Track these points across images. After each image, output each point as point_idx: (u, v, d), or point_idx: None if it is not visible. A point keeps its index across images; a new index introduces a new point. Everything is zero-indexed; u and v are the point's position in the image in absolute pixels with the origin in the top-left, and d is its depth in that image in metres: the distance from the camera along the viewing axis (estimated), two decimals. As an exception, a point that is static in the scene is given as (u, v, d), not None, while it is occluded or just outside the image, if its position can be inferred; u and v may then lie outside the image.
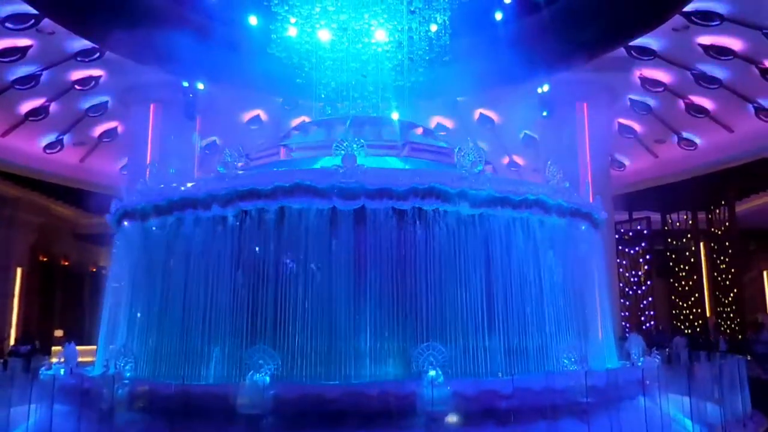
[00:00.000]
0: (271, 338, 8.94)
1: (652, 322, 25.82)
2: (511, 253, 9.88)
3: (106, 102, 21.86)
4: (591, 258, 11.34)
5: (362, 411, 7.76)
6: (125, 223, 11.03)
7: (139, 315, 10.34)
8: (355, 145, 9.78)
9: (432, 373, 8.07)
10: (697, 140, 23.64)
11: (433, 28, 13.20)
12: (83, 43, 18.50)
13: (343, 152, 9.68)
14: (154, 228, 10.48)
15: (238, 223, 9.63)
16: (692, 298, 26.77)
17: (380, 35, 12.86)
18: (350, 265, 9.24)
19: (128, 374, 8.80)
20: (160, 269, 10.27)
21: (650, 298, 26.58)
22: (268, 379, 8.05)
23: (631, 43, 18.77)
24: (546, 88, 20.27)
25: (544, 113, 20.45)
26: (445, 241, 9.49)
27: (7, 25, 17.13)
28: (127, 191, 11.32)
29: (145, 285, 10.45)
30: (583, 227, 11.15)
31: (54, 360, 12.31)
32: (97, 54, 18.95)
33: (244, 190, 9.55)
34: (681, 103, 21.63)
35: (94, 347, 11.83)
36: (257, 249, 9.52)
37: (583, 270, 10.98)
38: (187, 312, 9.62)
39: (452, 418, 7.85)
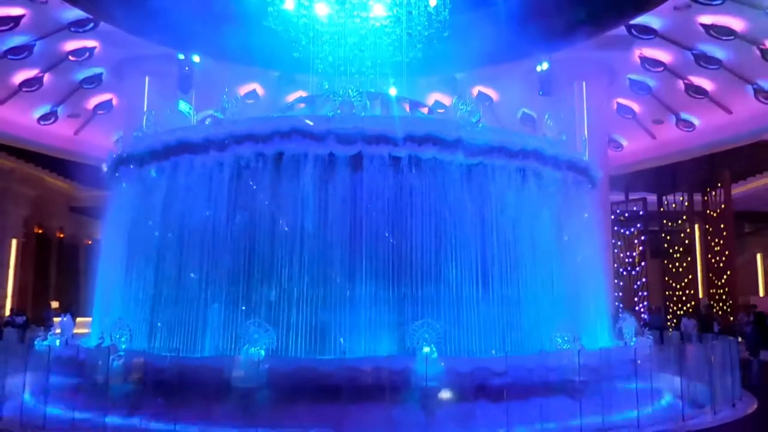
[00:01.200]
0: (267, 282, 9.02)
1: (645, 303, 25.98)
2: (507, 206, 9.84)
3: (101, 74, 21.61)
4: (587, 218, 11.27)
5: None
6: (120, 173, 10.88)
7: (136, 266, 10.27)
8: (352, 92, 9.69)
9: (426, 349, 8.10)
10: (696, 121, 23.56)
11: (432, 3, 13.02)
12: (77, 13, 18.21)
13: (341, 99, 9.62)
14: (150, 173, 10.33)
15: (235, 171, 9.52)
16: (686, 280, 26.91)
17: (378, 10, 12.71)
18: (347, 213, 9.20)
19: (123, 346, 8.82)
20: (157, 217, 10.16)
21: (644, 279, 26.71)
22: (263, 352, 8.07)
23: (631, 22, 18.59)
24: (545, 66, 20.12)
25: (540, 92, 20.33)
26: (441, 191, 9.45)
27: (0, -7, 16.86)
28: (123, 140, 11.22)
29: (142, 233, 10.34)
30: (580, 183, 11.07)
31: (49, 331, 12.34)
32: (91, 24, 18.67)
33: (242, 134, 9.45)
34: (680, 84, 21.51)
35: (89, 319, 11.85)
36: (254, 197, 9.42)
37: (578, 229, 10.91)
38: (185, 263, 9.61)
39: (445, 394, 7.92)
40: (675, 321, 24.47)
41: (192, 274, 9.43)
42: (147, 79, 20.49)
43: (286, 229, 9.13)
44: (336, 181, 9.27)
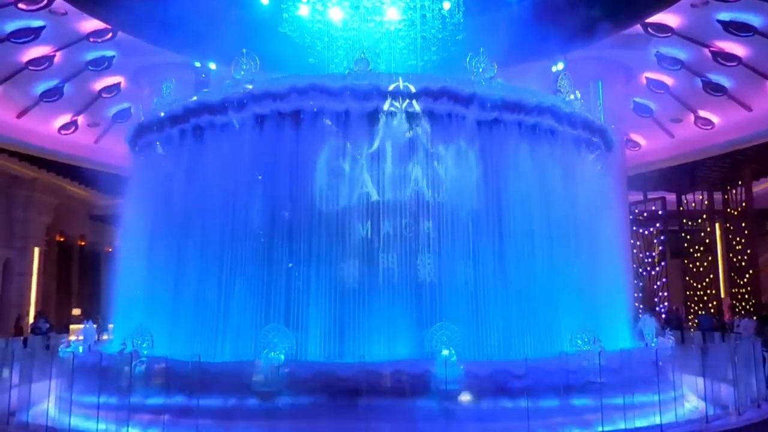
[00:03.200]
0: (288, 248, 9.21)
1: (665, 304, 25.71)
2: (521, 160, 9.78)
3: (119, 83, 21.91)
4: (605, 188, 11.12)
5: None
6: (141, 143, 10.98)
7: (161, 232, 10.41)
8: (367, 52, 9.77)
9: (445, 352, 8.09)
10: (715, 119, 23.30)
11: (446, 6, 13.06)
12: (95, 24, 18.50)
13: (357, 57, 9.70)
14: (172, 137, 10.42)
15: (254, 130, 9.59)
16: (707, 279, 26.58)
17: (392, 14, 12.75)
18: (364, 165, 9.30)
19: (145, 352, 8.90)
20: (181, 181, 10.27)
21: (664, 279, 26.44)
22: (282, 357, 8.12)
23: (648, 20, 18.45)
24: (561, 66, 20.02)
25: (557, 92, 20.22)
26: (457, 147, 9.45)
27: (20, 6, 17.16)
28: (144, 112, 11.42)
29: (164, 199, 10.45)
30: (595, 143, 10.90)
31: (72, 338, 12.52)
32: (110, 34, 18.97)
33: (260, 92, 9.57)
34: (698, 81, 21.29)
35: (111, 326, 11.98)
36: (274, 156, 9.51)
37: (596, 200, 10.75)
38: (209, 232, 9.74)
39: (465, 397, 7.90)
40: (696, 321, 24.15)
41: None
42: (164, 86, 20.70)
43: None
44: (355, 135, 9.32)
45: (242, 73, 9.96)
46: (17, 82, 20.43)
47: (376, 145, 9.35)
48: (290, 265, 9.31)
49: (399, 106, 9.31)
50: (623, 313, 11.21)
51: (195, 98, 10.41)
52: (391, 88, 9.31)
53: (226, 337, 9.24)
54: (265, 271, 9.37)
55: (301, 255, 9.23)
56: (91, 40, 19.15)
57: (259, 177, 9.60)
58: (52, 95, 21.49)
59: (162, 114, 10.59)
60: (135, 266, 10.80)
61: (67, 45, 19.35)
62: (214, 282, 9.63)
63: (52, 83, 21.12)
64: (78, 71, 20.77)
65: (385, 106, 9.27)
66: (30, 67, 19.82)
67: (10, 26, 18.06)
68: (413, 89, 9.34)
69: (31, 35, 18.44)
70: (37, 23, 18.22)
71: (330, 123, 9.32)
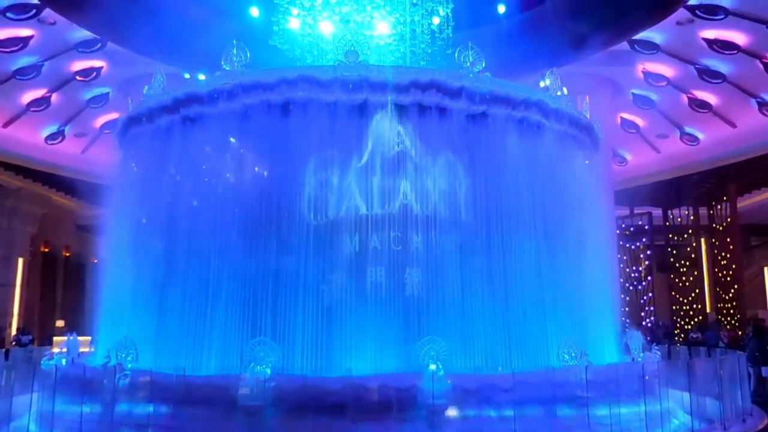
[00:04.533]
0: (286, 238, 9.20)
1: (652, 318, 25.83)
2: (509, 156, 9.80)
3: (107, 93, 21.82)
4: (590, 182, 11.11)
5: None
6: (129, 136, 10.87)
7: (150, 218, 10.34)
8: (358, 42, 9.78)
9: (432, 366, 8.06)
10: (700, 135, 23.58)
11: (436, 21, 13.15)
12: (84, 34, 18.46)
13: (347, 48, 9.67)
14: (160, 128, 10.33)
15: (243, 121, 9.55)
16: (693, 294, 26.78)
17: (383, 28, 12.81)
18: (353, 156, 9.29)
19: (129, 365, 8.80)
20: (168, 172, 10.20)
21: (650, 294, 26.59)
22: (269, 371, 8.06)
23: (634, 37, 18.68)
24: (548, 81, 20.16)
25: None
26: (445, 140, 9.46)
27: (9, 15, 17.09)
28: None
29: (149, 196, 10.39)
30: (582, 141, 10.91)
31: (55, 350, 12.34)
32: (99, 45, 18.92)
33: (249, 83, 9.51)
34: (684, 98, 21.56)
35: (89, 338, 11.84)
36: (262, 145, 9.52)
37: (583, 199, 10.76)
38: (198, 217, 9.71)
39: (453, 412, 7.87)
40: (683, 336, 24.28)
41: None
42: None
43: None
44: (343, 127, 9.31)
45: (234, 64, 9.93)
46: (4, 90, 20.31)
47: (365, 138, 9.33)
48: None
49: (388, 98, 9.31)
50: (610, 327, 11.24)
51: (186, 86, 10.36)
52: (380, 79, 9.31)
53: (211, 350, 9.16)
54: (251, 281, 9.32)
55: (290, 251, 9.18)
56: (80, 50, 19.09)
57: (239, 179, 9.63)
58: (39, 105, 21.37)
59: (150, 105, 10.47)
60: (119, 276, 10.69)
61: (56, 55, 19.28)
62: (199, 293, 9.55)
63: (39, 93, 21.01)
64: (66, 81, 20.68)
65: (374, 98, 9.27)
66: (17, 77, 19.72)
67: (-2, 35, 17.99)
68: (402, 81, 9.34)
69: (19, 44, 18.36)
70: (25, 32, 18.15)
71: (320, 115, 9.27)
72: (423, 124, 9.46)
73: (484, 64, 9.97)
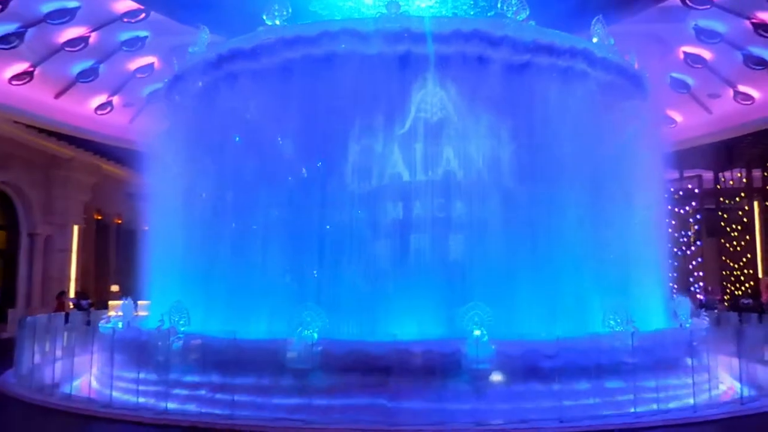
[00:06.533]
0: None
1: (700, 284, 25.29)
2: (553, 109, 9.64)
3: (152, 63, 22.13)
4: (639, 137, 10.82)
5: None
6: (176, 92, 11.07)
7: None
8: None
9: (476, 332, 8.12)
10: (755, 94, 22.57)
11: (478, -19, 12.83)
12: (129, 4, 18.68)
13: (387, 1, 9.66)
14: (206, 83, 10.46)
15: (285, 74, 9.59)
16: (744, 259, 26.04)
17: (424, -10, 12.56)
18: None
19: (182, 329, 9.13)
20: (213, 132, 10.34)
21: (699, 259, 25.97)
22: (315, 335, 8.24)
23: (686, -8, 17.89)
24: (595, 40, 19.56)
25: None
26: (487, 92, 9.35)
27: (56, -14, 17.41)
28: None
29: (197, 151, 10.55)
30: (629, 91, 10.63)
31: (111, 314, 12.88)
32: (143, 14, 19.12)
33: (291, 37, 9.59)
34: (738, 55, 20.62)
35: (147, 302, 12.29)
36: (306, 97, 9.56)
37: (631, 155, 10.50)
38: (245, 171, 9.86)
39: (496, 377, 7.94)
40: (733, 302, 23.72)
41: None
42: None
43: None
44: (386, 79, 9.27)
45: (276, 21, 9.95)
46: (54, 63, 20.78)
47: (408, 91, 9.26)
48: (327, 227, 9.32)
49: (431, 49, 9.20)
50: (658, 293, 11.06)
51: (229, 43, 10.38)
52: (422, 30, 9.20)
53: (260, 315, 9.40)
54: (298, 247, 9.47)
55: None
56: (125, 20, 19.34)
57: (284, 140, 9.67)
58: (87, 76, 21.80)
59: (194, 63, 10.60)
60: (169, 242, 10.99)
61: (102, 26, 19.58)
62: (247, 259, 9.78)
63: (87, 64, 21.42)
64: (112, 52, 21.03)
65: (417, 49, 9.16)
66: (66, 48, 20.12)
67: (47, 7, 18.33)
68: (444, 31, 9.21)
69: (66, 16, 18.68)
70: (72, 4, 18.45)
71: (361, 67, 9.22)
72: (465, 74, 9.30)
73: (528, 13, 9.70)
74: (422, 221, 9.40)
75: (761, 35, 19.16)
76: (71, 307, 21.18)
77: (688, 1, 18.29)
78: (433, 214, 9.39)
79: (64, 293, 23.13)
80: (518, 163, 9.50)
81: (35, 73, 20.67)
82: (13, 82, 20.64)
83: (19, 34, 18.79)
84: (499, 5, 9.83)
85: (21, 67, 20.37)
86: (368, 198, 9.43)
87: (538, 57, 9.58)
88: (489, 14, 12.84)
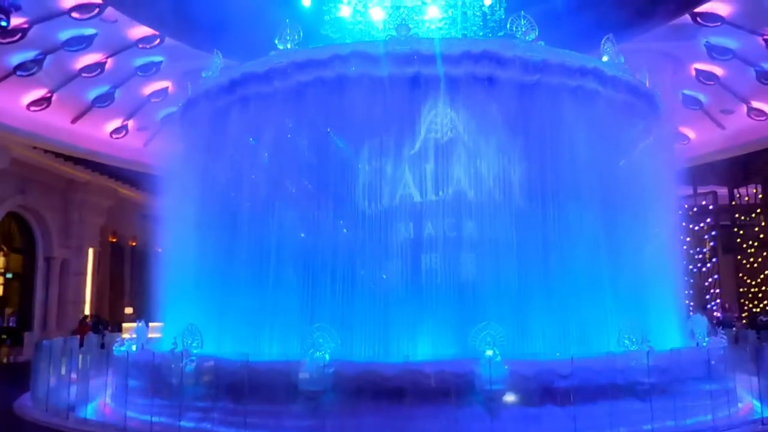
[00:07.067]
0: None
1: (717, 301, 24.94)
2: (564, 128, 9.61)
3: (167, 87, 22.47)
4: (651, 154, 10.75)
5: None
6: (187, 118, 11.23)
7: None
8: (409, 15, 9.88)
9: (489, 352, 8.06)
10: (769, 110, 22.47)
11: (487, 2, 12.96)
12: (144, 31, 19.04)
13: (398, 22, 9.72)
14: (218, 109, 10.58)
15: (297, 98, 9.71)
16: (761, 276, 25.68)
17: (433, 12, 12.72)
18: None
19: (195, 351, 9.14)
20: (226, 155, 10.44)
21: (716, 276, 25.66)
22: (327, 356, 8.23)
23: (696, 9, 17.90)
24: (605, 59, 19.59)
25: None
26: (497, 112, 9.37)
27: (74, 15, 17.78)
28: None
29: (210, 174, 10.66)
30: (641, 110, 10.56)
31: (125, 336, 12.93)
32: (157, 40, 19.48)
33: (303, 60, 9.71)
34: (751, 71, 20.55)
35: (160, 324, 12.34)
36: (318, 120, 9.68)
37: (641, 165, 10.43)
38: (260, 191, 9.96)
39: (510, 397, 7.86)
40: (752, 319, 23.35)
41: None
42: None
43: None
44: (396, 101, 9.35)
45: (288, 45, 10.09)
46: (71, 88, 21.16)
47: (419, 112, 9.32)
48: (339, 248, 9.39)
49: (440, 71, 9.26)
50: (673, 311, 10.93)
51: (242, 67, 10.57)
52: (431, 51, 9.29)
53: (273, 337, 9.41)
54: (310, 268, 9.50)
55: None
56: (140, 46, 19.71)
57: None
58: (104, 101, 22.18)
59: (207, 87, 10.77)
60: (182, 264, 11.06)
61: (118, 52, 19.96)
62: (260, 281, 9.81)
63: (103, 89, 21.80)
64: (128, 77, 21.40)
65: (426, 71, 9.23)
66: (83, 74, 20.51)
67: (65, 35, 18.74)
68: (454, 53, 9.28)
69: (83, 43, 19.09)
70: (89, 31, 18.85)
71: (372, 89, 9.32)
72: (475, 95, 9.36)
73: (537, 33, 9.76)
74: (434, 241, 9.40)
75: (773, 51, 19.12)
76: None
77: (698, 19, 18.32)
78: (445, 233, 9.39)
79: (87, 317, 23.27)
80: (529, 182, 9.50)
81: (53, 98, 21.09)
82: (32, 108, 21.04)
83: (37, 61, 19.22)
84: (508, 26, 9.89)
85: (39, 93, 20.80)
86: (380, 218, 9.45)
87: (548, 76, 9.60)
88: (498, 35, 12.97)
